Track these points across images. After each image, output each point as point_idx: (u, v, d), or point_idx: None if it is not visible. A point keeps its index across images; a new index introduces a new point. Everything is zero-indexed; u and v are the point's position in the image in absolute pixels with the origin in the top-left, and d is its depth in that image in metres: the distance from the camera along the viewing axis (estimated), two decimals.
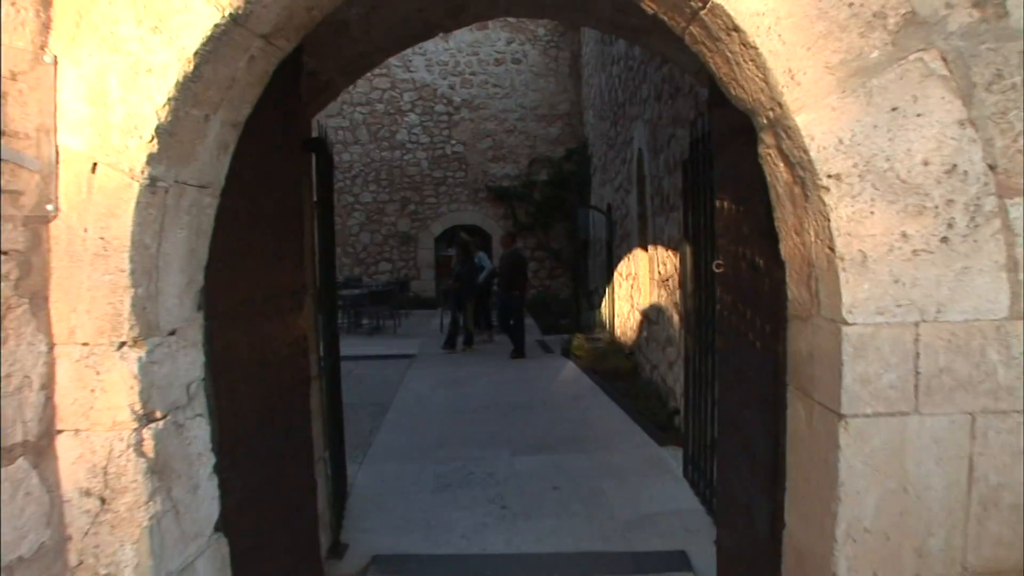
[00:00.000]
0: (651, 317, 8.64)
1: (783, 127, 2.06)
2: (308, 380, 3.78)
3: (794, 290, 2.33)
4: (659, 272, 7.97)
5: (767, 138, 2.21)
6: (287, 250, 3.47)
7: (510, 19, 21.98)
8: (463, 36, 21.83)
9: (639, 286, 9.94)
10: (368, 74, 20.49)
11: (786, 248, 2.34)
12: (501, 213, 22.08)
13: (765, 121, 2.16)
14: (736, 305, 3.11)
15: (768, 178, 2.32)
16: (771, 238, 2.51)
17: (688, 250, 5.65)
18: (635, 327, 10.19)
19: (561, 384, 10.04)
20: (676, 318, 7.02)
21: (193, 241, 2.39)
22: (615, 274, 13.13)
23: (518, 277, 13.08)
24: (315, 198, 5.02)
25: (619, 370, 9.98)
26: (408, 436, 7.78)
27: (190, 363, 2.42)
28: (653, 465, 6.48)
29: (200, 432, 2.47)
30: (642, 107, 9.04)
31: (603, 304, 15.32)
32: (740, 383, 3.10)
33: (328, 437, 5.25)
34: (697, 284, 5.42)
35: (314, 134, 4.88)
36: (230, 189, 2.75)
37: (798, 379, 2.37)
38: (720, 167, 3.39)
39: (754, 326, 2.82)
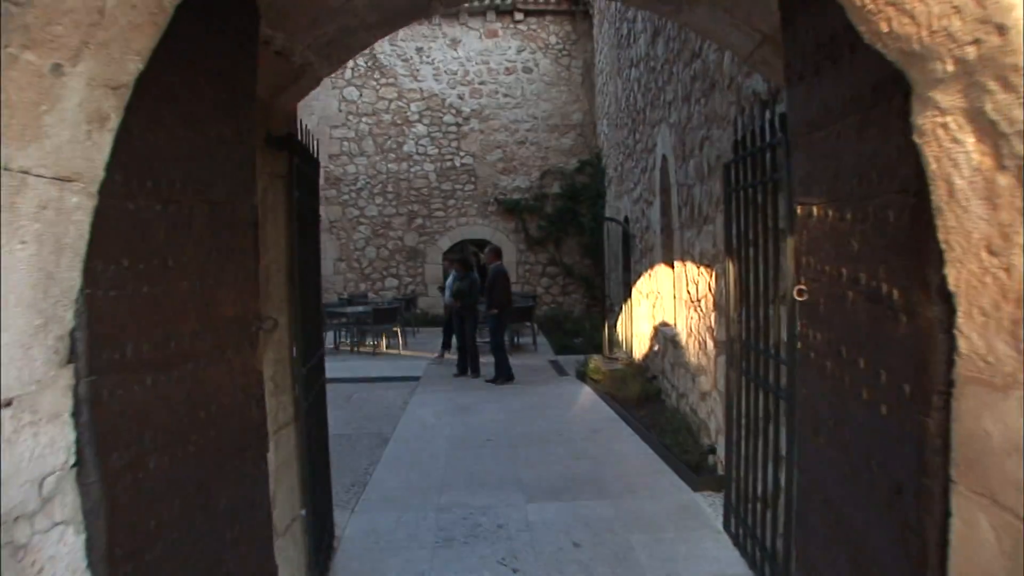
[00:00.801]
0: (678, 341, 7.80)
1: (996, 70, 1.23)
2: (264, 437, 2.95)
3: (975, 340, 1.50)
4: (688, 292, 7.14)
5: (946, 98, 1.38)
6: (234, 272, 2.65)
7: (520, 27, 21.31)
8: (472, 44, 21.19)
9: (662, 305, 9.11)
10: (375, 84, 19.94)
11: (960, 276, 1.51)
12: (512, 227, 21.31)
13: (948, 68, 1.34)
14: (835, 347, 2.28)
15: (931, 166, 1.50)
16: (912, 257, 1.69)
17: (731, 267, 4.81)
18: (659, 350, 9.35)
19: (578, 413, 9.20)
20: (710, 344, 6.19)
21: (49, 261, 1.57)
22: (633, 291, 12.30)
23: (503, 295, 12.21)
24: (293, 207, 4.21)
25: (640, 396, 9.14)
26: (408, 474, 6.95)
27: (44, 447, 1.60)
28: (688, 515, 5.62)
29: (64, 549, 1.64)
30: (666, 110, 8.25)
31: (619, 322, 14.49)
32: (841, 453, 2.27)
33: (308, 489, 4.42)
34: (744, 308, 4.58)
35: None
36: (132, 187, 1.94)
37: (979, 478, 1.53)
38: (805, 163, 2.56)
39: (874, 381, 1.99)
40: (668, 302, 8.85)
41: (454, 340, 13.66)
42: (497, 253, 12.97)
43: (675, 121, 7.68)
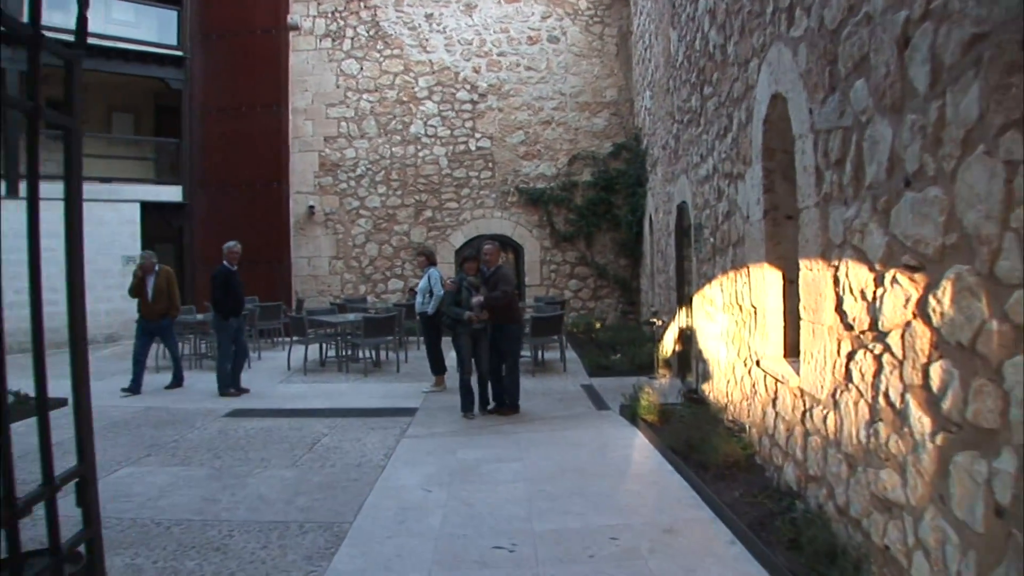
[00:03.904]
0: (813, 395, 4.81)
1: None
2: None
3: None
4: (843, 314, 4.15)
5: None
6: None
7: None
8: (490, 10, 18.37)
9: (761, 327, 6.12)
10: (377, 56, 16.95)
11: None
12: (535, 221, 18.42)
13: None
14: None
15: None
16: None
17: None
18: (754, 393, 6.34)
19: (636, 488, 6.23)
20: (918, 415, 3.23)
21: None
22: (695, 300, 9.30)
23: (511, 304, 9.29)
24: None
25: (726, 461, 6.15)
26: None
27: None
28: None
29: None
30: (779, 25, 5.29)
31: (668, 338, 11.49)
32: None
33: None
34: None
35: None
36: None
37: None
38: None
39: None
40: (775, 324, 5.85)
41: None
42: (499, 249, 9.92)
43: (802, 33, 4.72)
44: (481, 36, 18.52)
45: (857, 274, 3.94)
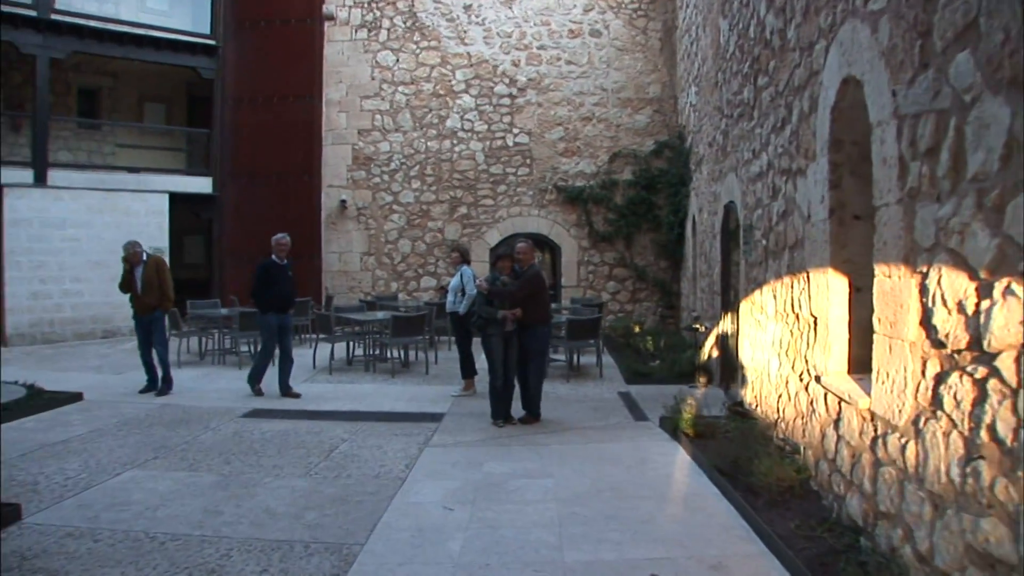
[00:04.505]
0: (887, 420, 4.19)
1: None
2: None
3: None
4: (932, 329, 3.54)
5: None
6: None
7: None
8: (530, 2, 17.88)
9: (820, 340, 5.51)
10: (414, 47, 16.41)
11: None
12: (573, 220, 17.85)
13: None
14: None
15: None
16: None
17: None
18: (811, 412, 5.72)
19: (679, 513, 5.63)
20: None
21: None
22: (743, 306, 8.68)
23: (541, 303, 8.72)
24: None
25: (778, 486, 5.54)
26: None
27: None
28: None
29: None
30: (852, 1, 4.69)
31: (711, 344, 10.87)
32: None
33: None
34: None
35: None
36: None
37: None
38: None
39: None
40: (839, 336, 5.23)
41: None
42: (533, 248, 9.31)
43: (884, 5, 4.11)
44: (521, 28, 17.97)
45: (953, 282, 3.34)
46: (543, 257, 18.60)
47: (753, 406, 7.95)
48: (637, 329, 15.63)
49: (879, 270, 4.21)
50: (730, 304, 10.10)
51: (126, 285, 10.18)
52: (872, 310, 4.43)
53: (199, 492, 6.03)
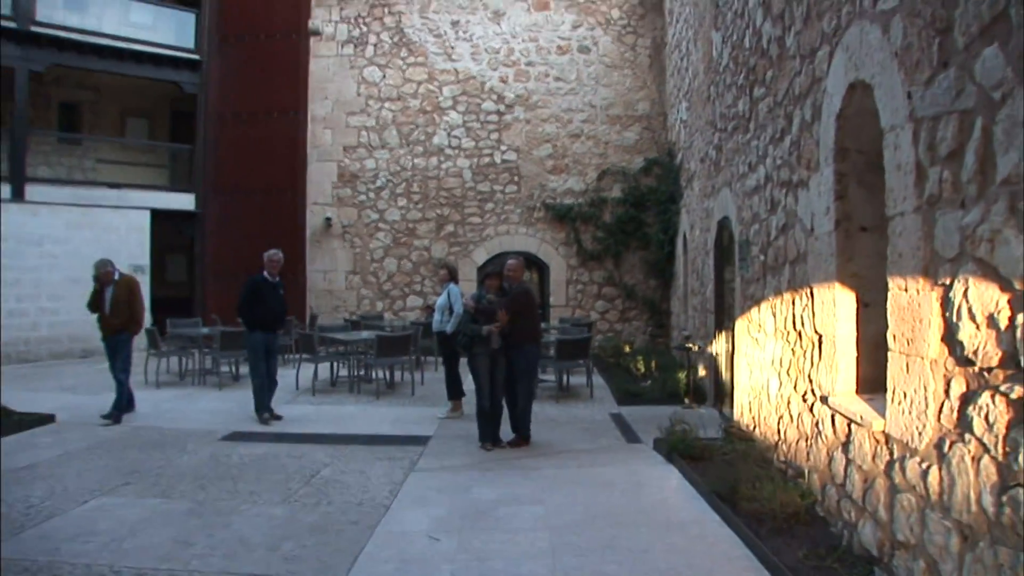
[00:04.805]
0: (905, 442, 3.91)
1: None
2: None
3: None
4: (961, 344, 3.27)
5: None
6: None
7: None
8: (518, 18, 17.66)
9: (826, 357, 5.25)
10: (401, 63, 16.15)
11: None
12: (562, 238, 17.61)
13: None
14: None
15: None
16: None
17: None
18: (815, 434, 5.44)
19: (679, 544, 5.30)
20: None
21: None
22: (739, 324, 8.42)
23: (530, 322, 8.45)
24: None
25: (784, 512, 5.25)
26: None
27: None
28: None
29: None
30: (858, 2, 4.46)
31: (701, 364, 10.61)
32: None
33: None
34: None
35: None
36: None
37: None
38: None
39: None
40: (846, 354, 4.97)
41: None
42: (523, 264, 9.03)
43: (897, 4, 3.88)
44: (509, 45, 17.80)
45: (982, 294, 3.08)
46: (531, 276, 18.36)
47: (751, 427, 7.67)
48: (627, 349, 15.37)
49: (894, 283, 3.95)
50: (724, 322, 9.85)
51: (94, 304, 9.72)
52: (883, 326, 4.17)
53: (170, 521, 5.69)
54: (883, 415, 4.17)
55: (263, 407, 9.57)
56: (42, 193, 15.39)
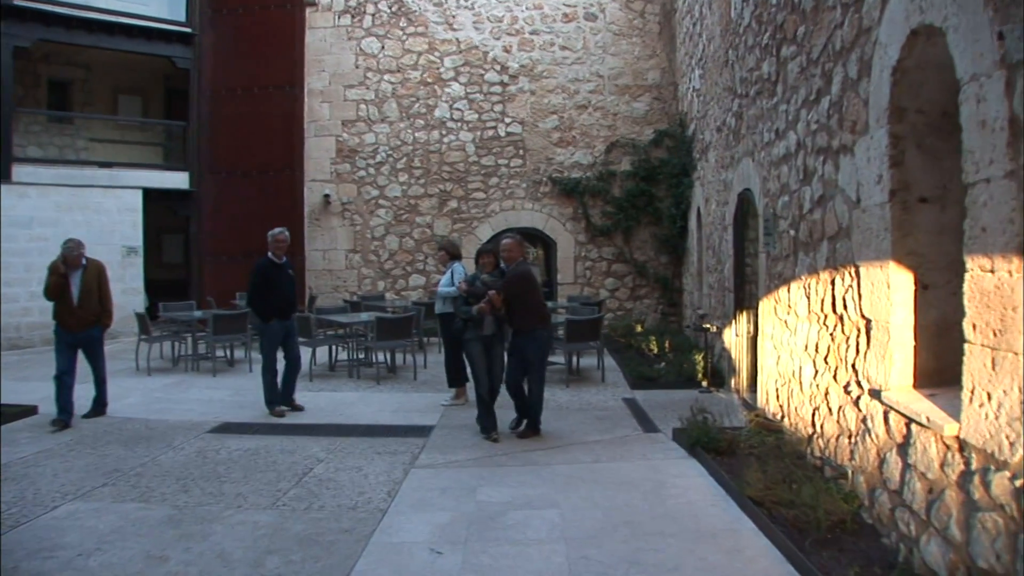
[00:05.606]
0: (1000, 456, 3.30)
1: None
2: None
3: None
4: None
5: None
6: None
7: None
8: None
9: (876, 345, 4.65)
10: (400, 33, 15.30)
11: None
12: (569, 213, 16.96)
13: None
14: None
15: None
16: None
17: None
18: (883, 442, 4.79)
19: (711, 555, 4.72)
20: None
21: None
22: (766, 303, 7.82)
23: (534, 304, 7.83)
24: None
25: (830, 522, 4.67)
26: None
27: None
28: None
29: None
30: None
31: (720, 345, 10.03)
32: None
33: None
34: None
35: None
36: None
37: None
38: None
39: None
40: (902, 343, 4.35)
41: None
42: (522, 244, 8.37)
43: None
44: (512, 13, 17.06)
45: None
46: (537, 252, 17.75)
47: (779, 416, 7.09)
48: (639, 329, 14.78)
49: (974, 263, 3.34)
50: (745, 302, 9.24)
51: (55, 292, 8.41)
52: (947, 312, 3.59)
53: (146, 530, 5.14)
54: (955, 417, 3.57)
55: (275, 401, 8.91)
56: (30, 174, 14.78)
